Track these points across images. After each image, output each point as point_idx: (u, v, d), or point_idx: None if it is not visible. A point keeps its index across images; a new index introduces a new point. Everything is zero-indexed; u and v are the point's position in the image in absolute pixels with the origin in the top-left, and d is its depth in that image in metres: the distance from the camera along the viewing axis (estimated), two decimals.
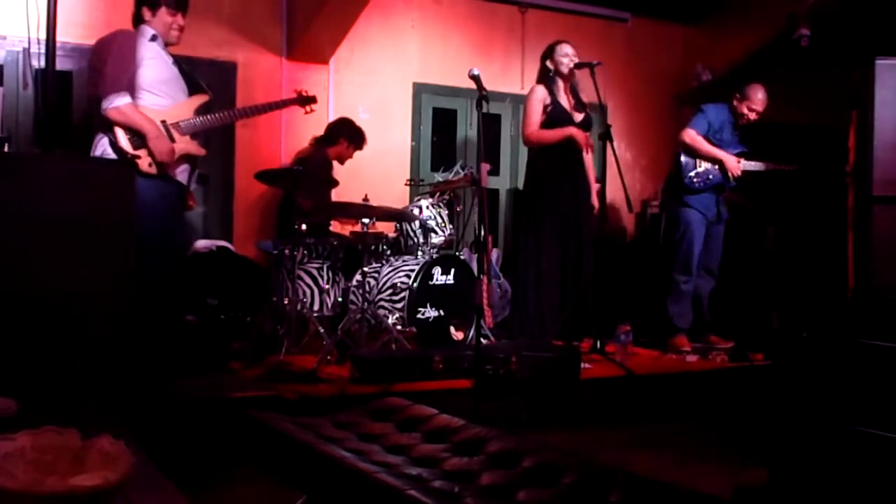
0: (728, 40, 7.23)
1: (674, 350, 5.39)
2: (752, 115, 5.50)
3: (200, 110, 3.98)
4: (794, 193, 5.74)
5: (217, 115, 4.09)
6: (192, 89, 4.01)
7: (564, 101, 5.31)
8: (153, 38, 3.89)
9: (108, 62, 3.72)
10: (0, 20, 5.09)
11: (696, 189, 5.49)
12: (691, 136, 5.49)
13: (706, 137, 5.49)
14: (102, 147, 3.74)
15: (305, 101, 4.54)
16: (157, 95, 3.85)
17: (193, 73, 4.15)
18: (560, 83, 5.31)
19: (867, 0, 6.16)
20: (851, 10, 6.42)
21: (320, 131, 5.83)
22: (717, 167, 5.47)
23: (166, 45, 3.97)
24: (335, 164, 5.75)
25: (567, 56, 5.26)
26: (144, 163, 3.73)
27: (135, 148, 3.73)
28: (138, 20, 3.94)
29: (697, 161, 5.49)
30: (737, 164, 5.47)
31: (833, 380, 2.89)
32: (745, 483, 3.09)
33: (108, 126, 3.73)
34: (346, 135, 5.76)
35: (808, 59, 6.71)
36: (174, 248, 3.95)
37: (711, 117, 5.55)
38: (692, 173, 5.50)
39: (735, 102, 5.54)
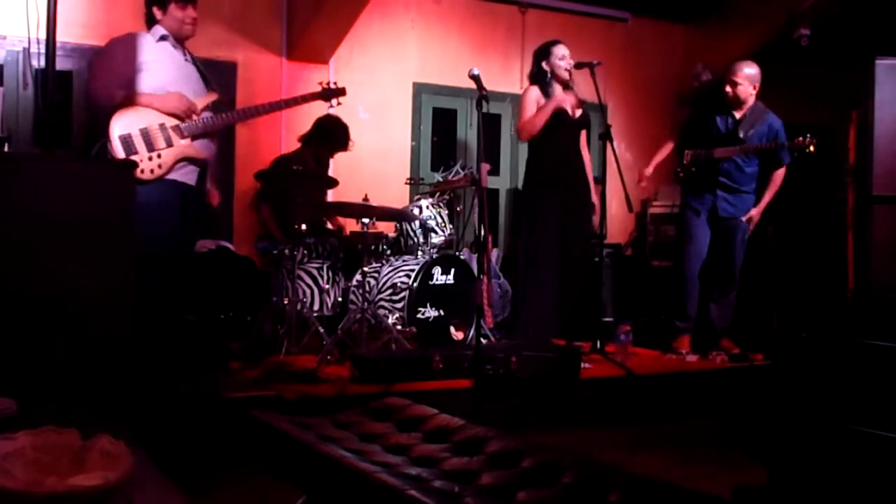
0: (728, 40, 7.22)
1: (674, 351, 5.38)
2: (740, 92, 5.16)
3: (207, 111, 3.93)
4: (794, 193, 5.74)
5: (225, 115, 4.00)
6: (207, 88, 3.98)
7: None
8: (162, 39, 3.87)
9: (101, 73, 3.80)
10: (0, 20, 5.09)
11: (688, 183, 5.33)
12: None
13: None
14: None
15: (331, 94, 4.33)
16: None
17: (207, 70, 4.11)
18: (556, 84, 5.21)
19: (867, 0, 6.17)
20: (851, 10, 6.42)
21: None
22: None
23: (182, 40, 3.94)
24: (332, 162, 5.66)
25: (564, 59, 5.16)
26: (147, 168, 3.70)
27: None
28: (151, 21, 3.91)
29: (689, 153, 5.28)
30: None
31: (833, 380, 2.89)
32: (745, 483, 3.09)
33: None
34: (315, 138, 5.46)
35: (808, 59, 6.71)
36: (174, 251, 3.91)
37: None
38: (677, 168, 5.34)
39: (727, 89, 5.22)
